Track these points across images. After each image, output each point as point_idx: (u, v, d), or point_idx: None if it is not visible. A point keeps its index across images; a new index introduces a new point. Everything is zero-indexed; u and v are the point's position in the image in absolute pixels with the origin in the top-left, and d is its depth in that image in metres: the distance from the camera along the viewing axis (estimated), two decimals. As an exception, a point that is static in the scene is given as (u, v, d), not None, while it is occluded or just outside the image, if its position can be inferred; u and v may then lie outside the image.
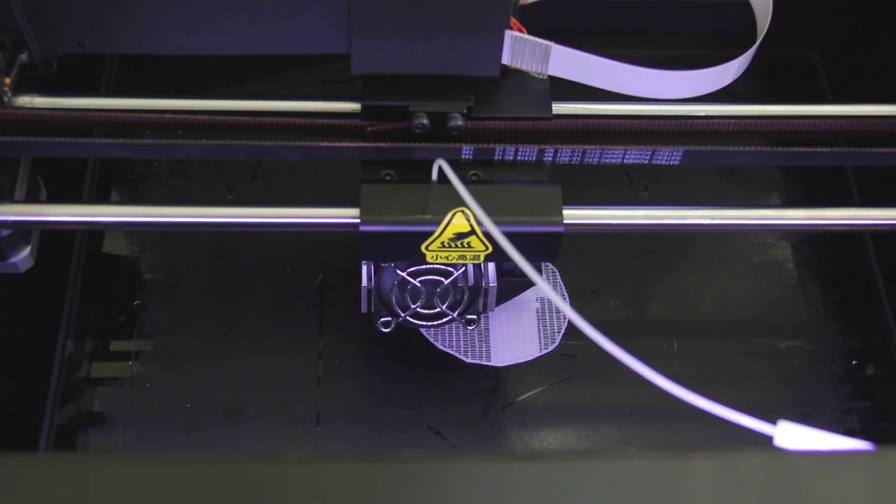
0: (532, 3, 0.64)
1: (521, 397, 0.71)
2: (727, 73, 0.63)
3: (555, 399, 0.71)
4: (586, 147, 0.57)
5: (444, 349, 0.72)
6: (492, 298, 0.65)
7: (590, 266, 0.77)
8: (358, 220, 0.55)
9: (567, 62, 0.57)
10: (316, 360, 0.72)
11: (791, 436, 0.44)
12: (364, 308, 0.65)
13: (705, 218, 0.60)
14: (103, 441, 0.69)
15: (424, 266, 0.62)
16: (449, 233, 0.55)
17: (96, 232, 0.77)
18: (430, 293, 0.64)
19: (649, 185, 0.81)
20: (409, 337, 0.73)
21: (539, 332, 0.73)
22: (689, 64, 0.89)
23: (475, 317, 0.67)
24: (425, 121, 0.56)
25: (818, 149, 0.61)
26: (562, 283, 0.76)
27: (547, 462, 0.39)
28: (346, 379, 0.72)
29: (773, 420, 0.46)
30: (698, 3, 0.88)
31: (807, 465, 0.39)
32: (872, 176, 0.81)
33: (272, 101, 0.59)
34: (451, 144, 0.56)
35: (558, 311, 0.74)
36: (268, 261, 0.76)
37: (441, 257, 0.57)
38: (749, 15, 0.87)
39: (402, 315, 0.65)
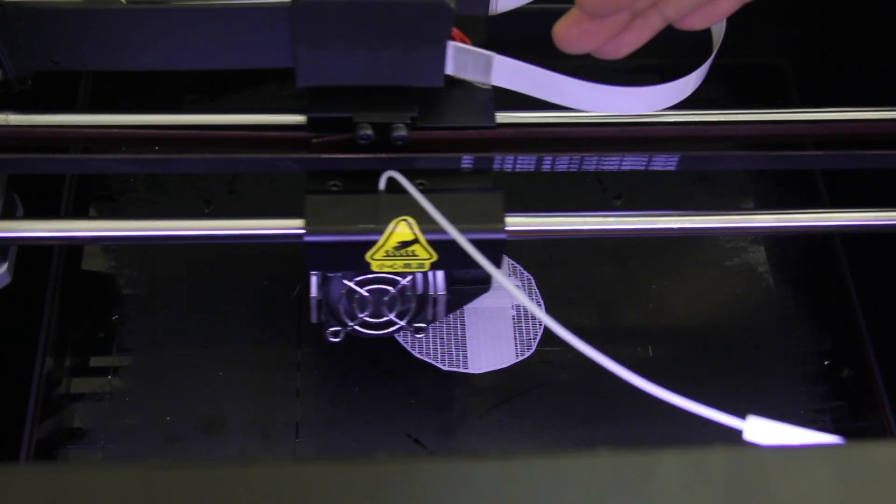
0: (502, 14, 0.65)
1: (499, 404, 0.72)
2: (683, 88, 0.64)
3: (532, 405, 0.72)
4: (585, 154, 0.59)
5: (421, 357, 0.73)
6: (441, 306, 0.66)
7: (565, 273, 0.78)
8: (303, 231, 0.56)
9: (510, 73, 0.58)
10: (294, 371, 0.73)
11: (760, 430, 0.45)
12: (314, 318, 0.65)
13: (656, 223, 0.61)
14: (83, 455, 0.69)
15: (371, 275, 0.62)
16: (393, 241, 0.56)
17: (74, 248, 0.77)
18: (378, 302, 0.64)
19: (622, 193, 0.82)
20: (386, 346, 0.73)
21: (515, 339, 0.74)
22: (663, 73, 0.90)
23: (424, 325, 0.67)
24: (370, 131, 0.57)
25: (822, 152, 0.64)
26: (537, 290, 0.76)
27: (517, 461, 0.39)
28: (324, 389, 0.72)
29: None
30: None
31: (773, 459, 0.39)
32: (841, 179, 0.82)
33: (218, 114, 0.60)
34: (397, 155, 0.57)
35: (534, 318, 0.75)
36: (245, 273, 0.76)
37: (386, 266, 0.58)
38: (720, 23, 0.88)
39: (351, 324, 0.65)
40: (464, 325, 0.74)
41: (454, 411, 0.72)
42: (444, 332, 0.74)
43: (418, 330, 0.67)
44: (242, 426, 0.70)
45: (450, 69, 0.57)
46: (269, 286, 0.76)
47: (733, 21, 0.89)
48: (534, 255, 0.78)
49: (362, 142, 0.57)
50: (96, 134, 0.60)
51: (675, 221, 0.61)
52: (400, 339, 0.73)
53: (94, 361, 0.73)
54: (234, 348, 0.73)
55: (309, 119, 0.58)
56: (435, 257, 0.57)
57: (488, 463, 0.39)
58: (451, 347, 0.73)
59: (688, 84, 0.64)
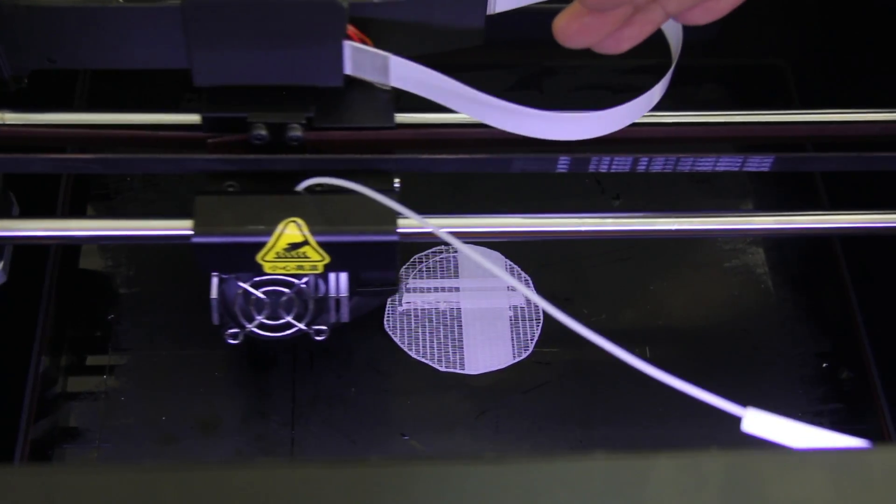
0: (501, 13, 0.64)
1: (496, 405, 0.72)
2: (629, 114, 0.61)
3: (529, 406, 0.72)
4: (681, 155, 0.59)
5: (418, 358, 0.73)
6: (344, 309, 0.66)
7: (562, 274, 0.77)
8: (191, 232, 0.55)
9: (408, 75, 0.57)
10: (291, 371, 0.72)
11: (758, 422, 0.44)
12: (215, 319, 0.65)
13: (655, 224, 0.60)
14: (79, 455, 0.69)
15: (267, 277, 0.62)
16: (283, 243, 0.56)
17: (70, 247, 0.77)
18: (275, 304, 0.64)
19: (620, 193, 0.82)
20: (383, 347, 0.73)
21: (513, 340, 0.74)
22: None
23: (325, 327, 0.66)
24: (264, 132, 0.56)
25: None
26: (535, 291, 0.76)
27: (511, 464, 0.39)
28: (320, 390, 0.72)
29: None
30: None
31: (769, 463, 0.39)
32: (840, 181, 0.82)
33: (112, 113, 0.60)
34: (292, 156, 0.57)
35: (532, 319, 0.74)
36: (242, 273, 0.76)
37: (279, 268, 0.57)
38: (714, 23, 0.88)
39: (248, 326, 0.65)
40: (461, 326, 0.74)
41: (450, 413, 0.71)
42: (441, 334, 0.74)
43: (319, 332, 0.66)
44: (238, 426, 0.70)
45: (348, 69, 0.57)
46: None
47: (732, 22, 0.90)
48: (532, 255, 0.78)
49: (256, 142, 0.56)
50: (93, 134, 0.60)
51: (674, 223, 0.61)
52: (397, 340, 0.73)
53: (90, 361, 0.73)
54: (230, 348, 0.73)
55: (204, 119, 0.58)
56: (327, 259, 0.57)
57: (483, 466, 0.39)
58: (447, 348, 0.73)
59: (621, 114, 0.61)
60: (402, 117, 0.60)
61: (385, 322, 0.74)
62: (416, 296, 0.75)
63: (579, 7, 0.50)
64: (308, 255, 0.56)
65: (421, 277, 0.76)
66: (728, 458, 0.39)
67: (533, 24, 0.89)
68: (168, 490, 0.41)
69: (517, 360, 0.73)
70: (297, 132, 0.56)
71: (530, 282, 0.77)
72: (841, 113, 0.66)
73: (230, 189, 0.56)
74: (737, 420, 0.46)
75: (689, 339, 0.76)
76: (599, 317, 0.76)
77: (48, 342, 0.72)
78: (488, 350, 0.73)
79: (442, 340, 0.73)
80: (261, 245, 0.56)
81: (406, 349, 0.73)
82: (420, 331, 0.74)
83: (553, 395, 0.72)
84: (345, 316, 0.66)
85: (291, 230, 0.55)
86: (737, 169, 0.60)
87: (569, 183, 0.82)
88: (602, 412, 0.72)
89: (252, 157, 0.57)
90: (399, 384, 0.72)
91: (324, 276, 0.64)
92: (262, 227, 0.55)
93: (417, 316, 0.74)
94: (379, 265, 0.60)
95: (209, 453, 0.69)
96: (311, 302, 0.64)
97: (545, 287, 0.76)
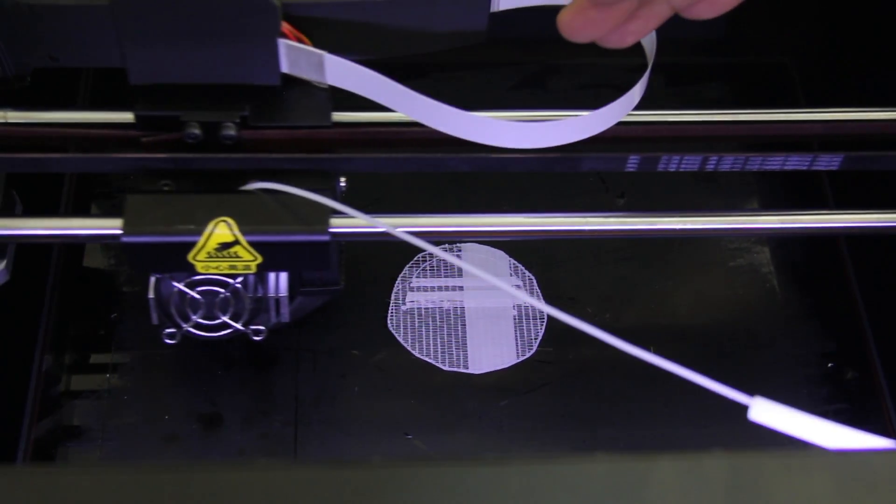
0: (503, 11, 0.64)
1: (499, 404, 0.71)
2: (586, 125, 0.58)
3: (533, 406, 0.72)
4: (749, 155, 0.58)
5: (421, 357, 0.72)
6: (284, 309, 0.65)
7: (567, 273, 0.77)
8: (119, 232, 0.55)
9: (344, 73, 0.56)
10: (294, 370, 0.72)
11: (766, 411, 0.44)
12: (154, 319, 0.64)
13: (659, 223, 0.60)
14: (82, 454, 0.69)
15: (203, 276, 0.61)
16: (213, 243, 0.55)
17: (74, 245, 0.77)
18: (211, 304, 0.63)
19: (625, 192, 0.82)
20: (386, 346, 0.73)
21: (516, 340, 0.74)
22: (666, 71, 0.90)
23: (263, 328, 0.66)
24: (197, 131, 0.56)
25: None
26: (538, 291, 0.76)
27: (513, 465, 0.39)
28: (323, 389, 0.72)
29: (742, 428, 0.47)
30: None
31: (772, 465, 0.39)
32: (846, 180, 0.82)
33: (45, 112, 0.60)
34: (223, 154, 0.56)
35: (535, 318, 0.74)
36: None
37: (211, 268, 0.57)
38: (720, 21, 0.87)
39: (184, 326, 0.64)
40: (465, 325, 0.74)
41: (454, 412, 0.71)
42: (445, 333, 0.73)
43: (257, 333, 0.66)
44: (241, 426, 0.70)
45: (284, 67, 0.56)
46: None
47: (738, 20, 0.89)
48: (535, 254, 0.77)
49: (190, 140, 0.56)
50: (96, 133, 0.60)
51: (679, 222, 0.60)
52: (400, 339, 0.73)
53: (93, 359, 0.73)
54: (233, 347, 0.72)
55: (137, 117, 0.57)
56: (260, 259, 0.56)
57: (485, 467, 0.39)
58: (451, 347, 0.73)
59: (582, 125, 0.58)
60: (340, 116, 0.59)
61: (388, 321, 0.74)
62: (420, 295, 0.75)
63: (584, 1, 0.50)
64: (240, 254, 0.56)
65: (424, 276, 0.76)
66: (731, 459, 0.39)
67: (536, 22, 0.89)
68: (171, 490, 0.41)
69: (521, 359, 0.73)
70: (230, 131, 0.56)
71: (534, 280, 0.76)
72: (848, 112, 0.66)
73: (165, 188, 0.56)
74: (742, 420, 0.46)
75: (694, 338, 0.76)
76: (604, 316, 0.75)
77: (51, 341, 0.72)
78: (492, 349, 0.73)
79: (445, 339, 0.73)
80: (191, 245, 0.55)
81: (409, 348, 0.73)
82: (423, 330, 0.73)
83: (557, 395, 0.72)
84: (285, 316, 0.66)
85: (222, 230, 0.55)
86: (805, 168, 0.59)
87: (573, 181, 0.82)
88: (606, 412, 0.71)
89: (182, 155, 0.56)
90: (402, 383, 0.72)
91: (262, 275, 0.64)
92: (191, 227, 0.55)
93: (421, 315, 0.74)
94: (314, 265, 0.60)
95: (212, 452, 0.69)
96: (247, 302, 0.63)
97: (549, 286, 0.76)
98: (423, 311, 0.74)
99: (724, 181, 0.84)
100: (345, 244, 0.72)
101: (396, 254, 0.76)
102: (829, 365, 0.75)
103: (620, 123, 0.60)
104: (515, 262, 0.77)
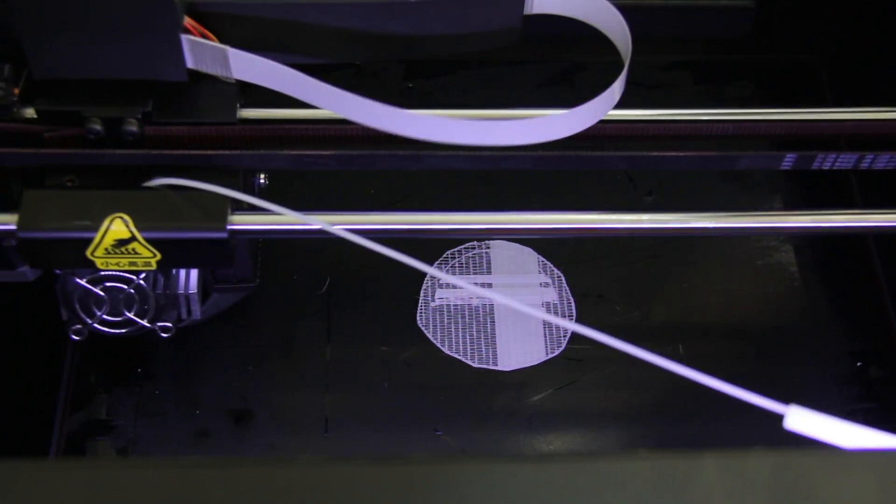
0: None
1: (528, 401, 0.72)
2: (548, 127, 0.57)
3: (561, 403, 0.72)
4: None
5: (451, 354, 0.73)
6: (195, 306, 0.65)
7: (595, 270, 0.77)
8: (14, 228, 0.54)
9: (249, 67, 0.56)
10: (324, 366, 0.72)
11: (802, 420, 0.44)
12: (63, 315, 0.64)
13: (687, 222, 0.59)
14: (113, 448, 0.69)
15: (105, 272, 0.61)
16: (109, 239, 0.54)
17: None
18: (116, 300, 0.63)
19: (653, 190, 0.82)
20: (415, 343, 0.73)
21: (545, 337, 0.74)
22: (695, 70, 0.90)
23: (170, 324, 0.65)
24: (98, 126, 0.55)
25: None
26: (567, 287, 0.76)
27: (556, 464, 0.39)
28: (353, 385, 0.72)
29: (779, 424, 0.47)
30: (701, 8, 0.89)
31: (815, 464, 0.39)
32: (875, 178, 0.81)
33: None
34: (122, 151, 0.56)
35: (564, 315, 0.74)
36: (274, 267, 0.76)
37: (111, 264, 0.56)
38: (747, 19, 0.87)
39: (90, 322, 0.64)
40: (493, 322, 0.74)
41: (483, 409, 0.71)
42: (474, 330, 0.74)
43: (164, 330, 0.65)
44: (272, 421, 0.70)
45: (190, 63, 0.56)
46: (297, 281, 0.76)
47: (766, 18, 0.89)
48: (564, 251, 0.77)
49: (91, 136, 0.55)
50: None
51: (707, 220, 0.60)
52: (430, 336, 0.73)
53: (125, 354, 0.73)
54: (264, 343, 0.73)
55: (38, 112, 0.56)
56: (159, 256, 0.56)
57: (526, 466, 0.39)
58: (480, 344, 0.73)
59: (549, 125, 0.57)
60: (248, 112, 0.58)
61: (418, 318, 0.74)
62: (449, 292, 0.75)
63: None
64: (138, 251, 0.55)
65: (453, 273, 0.76)
66: (775, 457, 0.39)
67: (564, 20, 0.89)
68: (202, 485, 0.41)
69: (550, 356, 0.73)
70: (132, 127, 0.55)
71: (562, 278, 0.76)
72: (875, 111, 0.65)
73: (69, 184, 0.56)
74: (778, 418, 0.46)
75: (722, 336, 0.76)
76: (633, 313, 0.76)
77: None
78: (521, 346, 0.73)
79: (474, 336, 0.73)
80: (88, 241, 0.54)
81: (439, 345, 0.73)
82: (453, 327, 0.74)
83: (586, 392, 0.72)
84: (196, 314, 0.65)
85: (117, 226, 0.54)
86: None
87: (600, 178, 0.82)
88: (635, 409, 0.72)
89: (77, 151, 0.56)
90: (432, 380, 0.72)
91: (169, 272, 0.63)
92: (87, 223, 0.54)
93: (450, 312, 0.74)
94: (216, 263, 0.59)
95: (243, 447, 0.69)
96: (151, 299, 0.63)
97: (577, 283, 0.76)
98: (452, 308, 0.74)
99: (749, 179, 0.84)
100: (261, 241, 0.72)
101: (427, 250, 0.77)
102: (858, 364, 0.75)
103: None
104: (543, 259, 0.77)
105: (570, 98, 0.87)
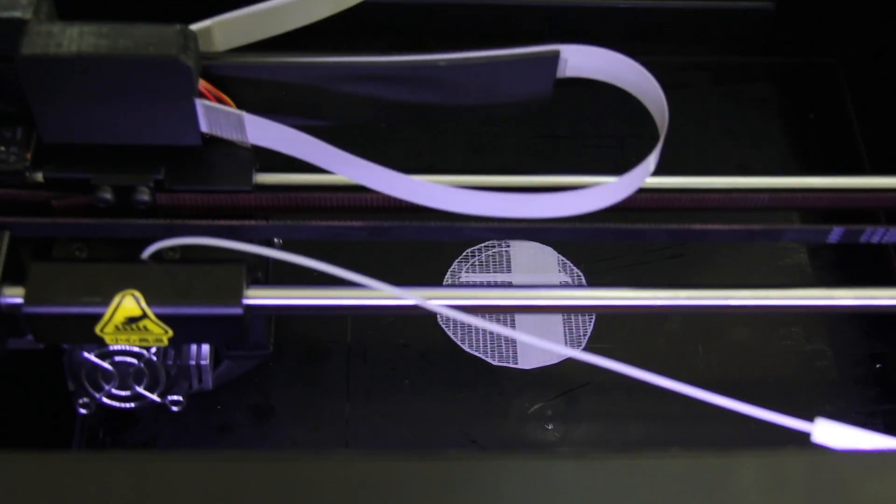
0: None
1: (548, 400, 0.72)
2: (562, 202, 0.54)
3: (581, 401, 0.72)
4: None
5: (471, 352, 0.73)
6: (206, 376, 0.63)
7: (615, 271, 0.77)
8: (21, 302, 0.52)
9: (268, 134, 0.53)
10: (344, 362, 0.73)
11: (829, 433, 0.44)
12: (70, 386, 0.62)
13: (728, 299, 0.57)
14: (134, 442, 0.69)
15: (113, 347, 0.58)
16: (120, 316, 0.52)
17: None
18: (125, 374, 0.61)
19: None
20: (436, 340, 0.73)
21: (565, 335, 0.74)
22: (711, 71, 0.90)
23: (180, 398, 0.63)
24: (108, 195, 0.53)
25: None
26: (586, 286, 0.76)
27: (592, 461, 0.39)
28: (374, 381, 0.72)
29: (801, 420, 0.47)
30: (721, 9, 0.89)
31: (852, 463, 0.39)
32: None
33: None
34: (131, 221, 0.54)
35: (584, 315, 0.75)
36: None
37: (122, 340, 0.54)
38: (765, 19, 0.87)
39: (97, 396, 0.62)
40: (514, 320, 0.74)
41: (503, 406, 0.71)
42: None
43: (174, 403, 0.63)
44: (292, 416, 0.70)
45: (204, 127, 0.53)
46: (317, 278, 0.76)
47: (781, 17, 0.89)
48: (584, 250, 0.78)
49: (101, 206, 0.53)
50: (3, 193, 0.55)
51: (745, 298, 0.58)
52: (450, 334, 0.73)
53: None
54: (284, 339, 0.73)
55: (46, 179, 0.54)
56: (171, 332, 0.53)
57: (562, 462, 0.39)
58: (500, 342, 0.73)
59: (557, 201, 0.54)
60: (264, 178, 0.56)
61: (438, 315, 0.74)
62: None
63: None
64: (149, 328, 0.53)
65: (473, 272, 0.76)
66: (810, 457, 0.39)
67: (577, 16, 0.89)
68: (224, 478, 0.41)
69: (570, 355, 0.73)
70: (144, 196, 0.53)
71: (583, 278, 0.77)
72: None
73: (77, 253, 0.54)
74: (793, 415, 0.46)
75: (740, 337, 0.76)
76: (651, 314, 0.76)
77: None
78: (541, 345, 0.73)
79: (495, 334, 0.73)
80: (98, 317, 0.52)
81: (459, 343, 0.73)
82: (473, 325, 0.74)
83: (606, 391, 0.72)
84: (207, 383, 0.63)
85: (129, 303, 0.52)
86: None
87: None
88: (656, 409, 0.72)
89: (88, 221, 0.54)
90: (452, 378, 0.72)
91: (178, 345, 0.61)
92: (97, 299, 0.52)
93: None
94: (230, 339, 0.57)
95: (263, 442, 0.69)
96: (162, 373, 0.61)
97: (597, 282, 0.76)
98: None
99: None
100: None
101: (447, 248, 0.77)
102: (878, 366, 0.75)
103: (640, 191, 0.56)
104: (564, 258, 0.77)
105: (589, 99, 0.88)
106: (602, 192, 0.54)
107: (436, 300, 0.54)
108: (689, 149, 0.82)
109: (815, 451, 0.39)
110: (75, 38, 0.49)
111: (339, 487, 0.41)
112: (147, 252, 0.53)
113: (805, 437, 0.45)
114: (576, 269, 0.77)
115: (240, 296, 0.53)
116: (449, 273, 0.76)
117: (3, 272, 0.53)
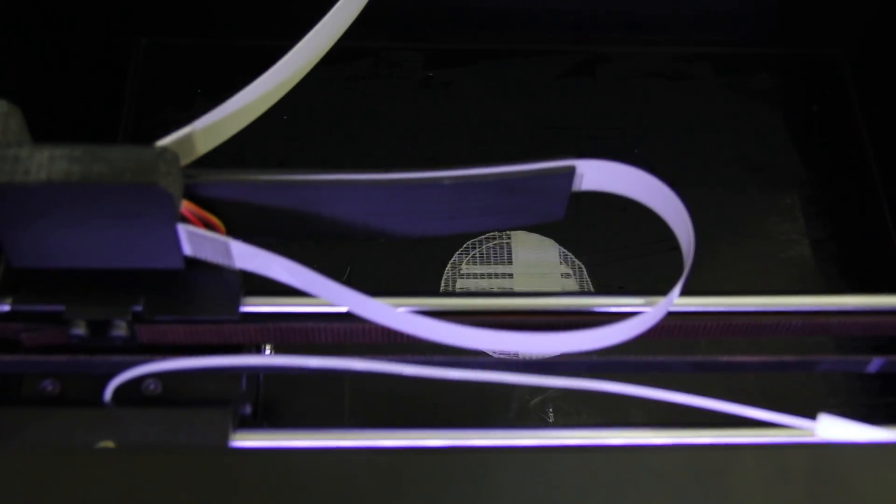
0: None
1: (548, 392, 0.71)
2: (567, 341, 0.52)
3: (581, 393, 0.71)
4: None
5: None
6: None
7: (616, 262, 0.77)
8: None
9: (256, 260, 0.49)
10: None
11: (833, 428, 0.44)
12: None
13: None
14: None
15: None
16: None
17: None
18: None
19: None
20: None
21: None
22: (715, 61, 0.90)
23: None
24: (81, 331, 0.48)
25: None
26: (588, 279, 0.76)
27: (597, 453, 0.39)
28: (371, 383, 0.71)
29: (804, 415, 0.46)
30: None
31: (854, 456, 0.39)
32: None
33: None
34: (106, 357, 0.49)
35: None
36: (294, 256, 0.76)
37: None
38: (770, 9, 0.87)
39: None
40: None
41: (504, 399, 0.71)
42: (495, 319, 0.73)
43: None
44: (293, 409, 0.70)
45: (187, 251, 0.48)
46: (318, 269, 0.75)
47: (785, 8, 0.89)
48: (586, 243, 0.77)
49: (74, 341, 0.48)
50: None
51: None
52: (450, 325, 0.73)
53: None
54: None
55: (13, 311, 0.49)
56: None
57: (568, 454, 0.39)
58: (501, 334, 0.73)
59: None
60: (253, 304, 0.50)
61: (438, 307, 0.74)
62: (470, 282, 0.75)
63: None
64: None
65: (474, 263, 0.76)
66: (813, 450, 0.39)
67: (585, 9, 0.89)
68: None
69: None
70: (120, 331, 0.48)
71: (583, 269, 0.76)
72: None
73: (49, 388, 0.50)
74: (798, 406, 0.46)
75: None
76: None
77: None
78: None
79: (495, 326, 0.73)
80: None
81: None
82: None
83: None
84: None
85: None
86: None
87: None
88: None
89: (56, 359, 0.49)
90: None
91: None
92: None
93: (471, 301, 0.74)
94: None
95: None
96: None
97: (599, 275, 0.76)
98: (473, 298, 0.74)
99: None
100: None
101: (447, 241, 0.77)
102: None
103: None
104: (565, 250, 0.77)
105: (592, 89, 0.87)
106: (624, 328, 0.51)
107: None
108: (692, 142, 0.82)
109: (817, 446, 0.39)
110: (45, 163, 0.45)
111: (338, 486, 0.41)
112: (113, 384, 0.48)
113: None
114: (577, 261, 0.76)
115: (226, 439, 0.49)
116: (449, 265, 0.76)
117: None
